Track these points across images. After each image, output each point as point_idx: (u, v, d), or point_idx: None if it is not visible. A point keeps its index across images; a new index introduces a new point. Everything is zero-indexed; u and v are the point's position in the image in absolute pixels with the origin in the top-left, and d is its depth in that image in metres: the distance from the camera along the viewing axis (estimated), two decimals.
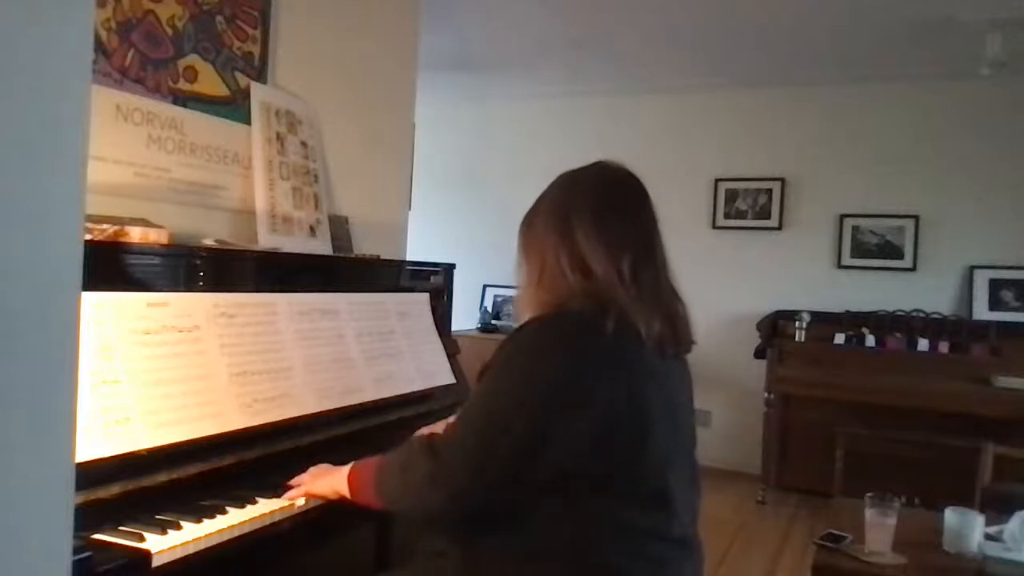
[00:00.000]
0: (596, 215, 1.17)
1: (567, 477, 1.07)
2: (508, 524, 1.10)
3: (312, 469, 1.43)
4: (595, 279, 1.14)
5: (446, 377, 2.16)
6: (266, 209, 2.12)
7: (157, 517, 1.20)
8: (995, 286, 4.22)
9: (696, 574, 1.21)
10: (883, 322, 4.11)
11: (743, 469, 4.58)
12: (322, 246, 2.29)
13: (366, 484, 1.25)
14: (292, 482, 1.42)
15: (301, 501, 1.38)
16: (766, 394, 4.22)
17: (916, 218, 4.40)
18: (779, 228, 4.71)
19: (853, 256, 4.54)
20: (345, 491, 1.30)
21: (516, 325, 1.18)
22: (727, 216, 4.83)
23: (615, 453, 1.07)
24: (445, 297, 2.38)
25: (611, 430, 1.07)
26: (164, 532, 1.16)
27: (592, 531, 1.08)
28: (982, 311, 4.19)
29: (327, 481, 1.35)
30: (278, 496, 1.38)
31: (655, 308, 1.14)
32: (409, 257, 2.87)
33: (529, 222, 1.25)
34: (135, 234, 1.57)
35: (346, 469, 1.32)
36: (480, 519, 1.12)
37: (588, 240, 1.15)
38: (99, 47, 1.73)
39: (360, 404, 1.79)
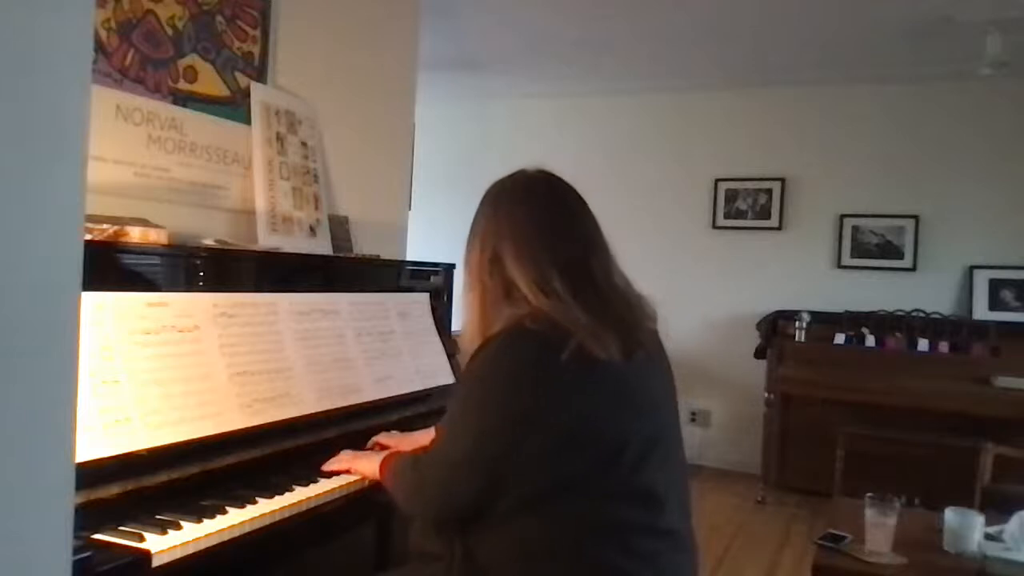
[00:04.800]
0: (518, 243, 1.19)
1: (542, 487, 1.10)
2: (501, 524, 1.12)
3: (347, 451, 1.57)
4: (539, 307, 1.14)
5: (446, 377, 2.16)
6: (266, 209, 2.12)
7: (157, 517, 1.20)
8: (995, 286, 4.22)
9: (690, 567, 1.21)
10: (883, 322, 4.11)
11: (743, 469, 4.58)
12: (322, 246, 2.29)
13: (387, 480, 1.35)
14: (332, 463, 1.54)
15: (309, 493, 1.43)
16: (766, 394, 4.22)
17: (916, 218, 4.40)
18: (779, 228, 4.71)
19: (853, 256, 4.54)
20: (379, 477, 1.40)
21: (464, 346, 1.24)
22: (727, 216, 4.83)
23: (582, 464, 1.10)
24: (445, 297, 2.38)
25: (573, 446, 1.09)
26: (164, 532, 1.15)
27: (582, 529, 1.09)
28: (982, 311, 4.19)
29: (369, 464, 1.47)
30: (279, 495, 1.38)
31: (604, 321, 1.14)
32: (409, 257, 2.87)
33: (468, 250, 1.27)
34: (135, 234, 1.56)
35: (379, 459, 1.41)
36: (474, 520, 1.14)
37: (518, 268, 1.17)
38: (99, 47, 1.73)
39: (360, 404, 1.79)
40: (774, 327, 4.35)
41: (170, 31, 1.91)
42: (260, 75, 2.19)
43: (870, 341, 4.08)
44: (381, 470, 1.38)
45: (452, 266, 2.42)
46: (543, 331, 1.12)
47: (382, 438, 1.69)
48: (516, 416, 1.10)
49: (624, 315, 1.18)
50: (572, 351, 1.09)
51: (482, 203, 1.30)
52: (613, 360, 1.12)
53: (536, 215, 1.23)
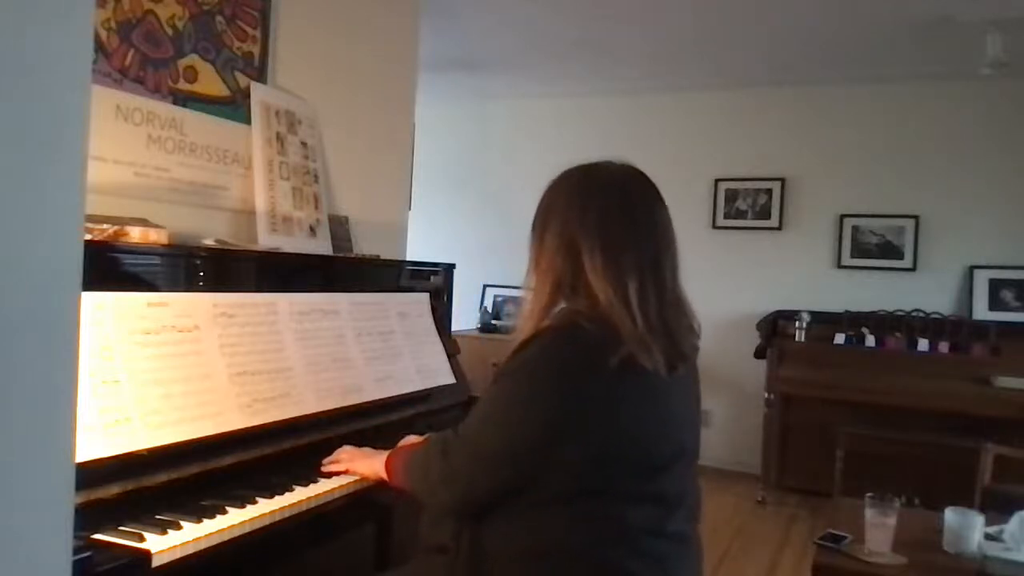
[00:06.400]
0: (603, 242, 1.16)
1: (564, 490, 1.10)
2: (512, 522, 1.13)
3: (347, 448, 1.55)
4: (601, 306, 1.14)
5: (446, 377, 2.16)
6: (266, 209, 2.12)
7: (157, 517, 1.20)
8: (995, 286, 4.22)
9: (696, 568, 1.22)
10: (883, 322, 4.11)
11: (743, 469, 4.58)
12: (322, 246, 2.29)
13: (399, 473, 1.35)
14: (329, 460, 1.54)
15: (309, 493, 1.42)
16: (766, 394, 4.22)
17: (916, 218, 4.40)
18: (779, 228, 4.71)
19: (853, 256, 4.54)
20: (384, 475, 1.40)
21: (518, 330, 1.21)
22: (727, 216, 4.83)
23: (610, 472, 1.10)
24: (445, 297, 2.38)
25: (606, 456, 1.10)
26: (164, 532, 1.15)
27: (594, 531, 1.10)
28: (982, 311, 4.19)
29: (369, 463, 1.46)
30: (279, 495, 1.38)
31: (660, 334, 1.14)
32: (409, 257, 2.87)
33: (540, 234, 1.24)
34: (135, 234, 1.56)
35: (384, 455, 1.41)
36: (485, 516, 1.15)
37: (595, 271, 1.15)
38: (99, 47, 1.73)
39: (360, 404, 1.79)
40: (774, 327, 4.34)
41: (170, 31, 1.91)
42: (260, 75, 2.19)
43: (870, 341, 4.07)
44: (388, 469, 1.37)
45: (452, 266, 2.42)
46: (596, 333, 1.11)
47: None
48: (556, 420, 1.09)
49: (676, 326, 1.18)
50: (622, 359, 1.08)
51: (560, 188, 1.25)
52: (658, 373, 1.11)
53: (622, 213, 1.20)
